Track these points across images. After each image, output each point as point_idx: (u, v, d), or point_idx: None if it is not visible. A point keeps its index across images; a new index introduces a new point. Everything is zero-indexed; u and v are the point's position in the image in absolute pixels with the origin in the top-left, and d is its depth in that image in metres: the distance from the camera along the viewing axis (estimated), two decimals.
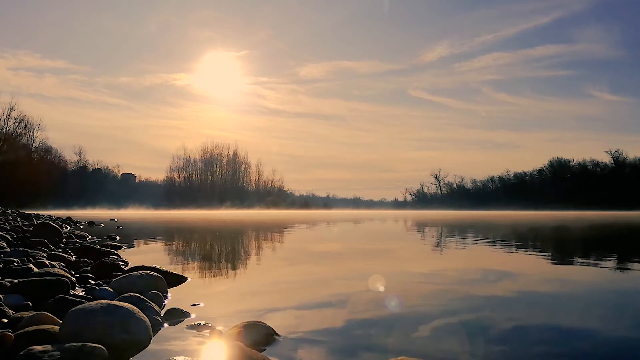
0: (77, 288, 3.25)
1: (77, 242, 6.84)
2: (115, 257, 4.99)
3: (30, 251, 4.60)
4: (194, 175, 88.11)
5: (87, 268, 4.04)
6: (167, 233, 12.36)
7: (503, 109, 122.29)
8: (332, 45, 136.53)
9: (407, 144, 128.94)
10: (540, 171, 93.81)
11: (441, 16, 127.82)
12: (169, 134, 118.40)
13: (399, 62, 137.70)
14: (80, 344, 1.75)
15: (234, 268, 4.96)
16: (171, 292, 3.28)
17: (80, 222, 16.88)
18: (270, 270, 4.84)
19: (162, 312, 2.59)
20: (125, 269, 3.99)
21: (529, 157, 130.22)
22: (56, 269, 3.31)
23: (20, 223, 11.17)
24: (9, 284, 2.80)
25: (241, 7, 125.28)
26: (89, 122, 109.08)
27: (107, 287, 3.01)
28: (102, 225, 16.01)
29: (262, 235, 11.17)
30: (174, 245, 8.05)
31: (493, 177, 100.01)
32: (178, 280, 3.75)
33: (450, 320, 2.52)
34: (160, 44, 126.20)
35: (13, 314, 2.24)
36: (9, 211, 17.83)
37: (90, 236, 8.94)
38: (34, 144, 61.44)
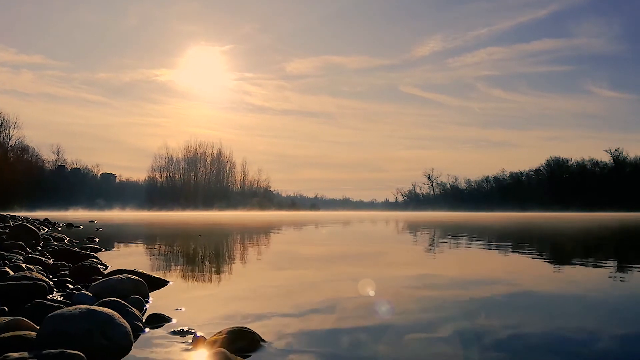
0: (55, 292, 3.19)
1: (55, 245, 6.69)
2: (95, 260, 4.91)
3: (6, 254, 4.48)
4: (176, 175, 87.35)
5: (66, 272, 3.96)
6: (149, 235, 12.19)
7: (498, 106, 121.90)
8: (321, 40, 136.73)
9: (399, 143, 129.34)
10: (537, 171, 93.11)
11: (434, 9, 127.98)
12: (150, 132, 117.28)
13: (390, 57, 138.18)
14: (58, 350, 1.70)
15: (217, 272, 4.90)
16: (153, 297, 3.22)
17: (59, 224, 16.54)
18: (256, 274, 4.79)
19: (144, 317, 2.53)
20: (105, 272, 3.91)
21: (525, 157, 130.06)
22: (33, 273, 3.21)
23: None
24: None
25: None
26: (67, 120, 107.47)
27: (86, 292, 2.94)
28: (81, 227, 15.71)
29: (247, 237, 11.09)
30: (155, 248, 7.92)
31: (488, 177, 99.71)
32: (160, 284, 3.69)
33: (444, 326, 2.50)
34: (140, 38, 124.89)
35: None
36: None
37: (68, 238, 8.77)
38: (10, 142, 60.25)
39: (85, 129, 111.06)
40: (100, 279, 3.30)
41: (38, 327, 1.97)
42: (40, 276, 3.13)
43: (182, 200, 77.97)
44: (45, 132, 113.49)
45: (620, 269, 5.29)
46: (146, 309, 2.85)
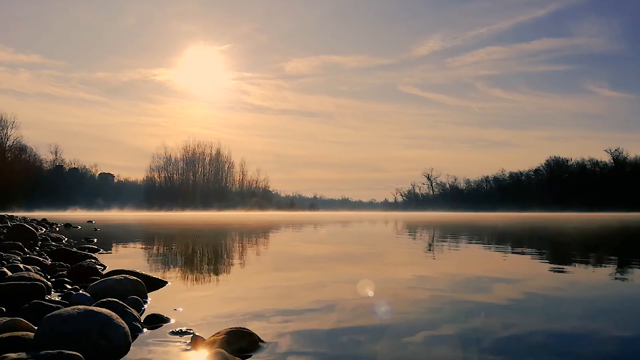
0: (52, 293, 3.18)
1: (53, 245, 6.67)
2: (93, 260, 4.89)
3: (4, 254, 4.46)
4: (175, 175, 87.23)
5: (64, 272, 3.95)
6: (147, 235, 12.17)
7: (498, 106, 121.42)
8: (319, 39, 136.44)
9: (398, 142, 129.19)
10: (536, 171, 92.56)
11: (433, 9, 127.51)
12: (148, 131, 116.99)
13: (389, 56, 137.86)
14: (56, 351, 1.69)
15: (216, 272, 4.89)
16: (151, 297, 3.21)
17: (57, 224, 16.50)
18: (255, 274, 4.78)
19: (142, 318, 2.52)
20: (103, 272, 3.91)
21: (525, 156, 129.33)
22: (31, 273, 3.20)
23: None
24: None
25: None
26: (64, 120, 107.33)
27: (84, 292, 2.93)
28: (79, 227, 15.67)
29: (246, 238, 11.08)
30: (153, 249, 7.91)
31: (487, 177, 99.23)
32: (158, 284, 3.68)
33: (443, 327, 2.49)
34: (139, 38, 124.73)
35: None
36: None
37: (66, 239, 8.75)
38: (7, 142, 60.17)
39: (83, 129, 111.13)
40: (99, 279, 3.29)
41: (36, 328, 1.96)
42: (38, 276, 3.12)
43: (180, 200, 77.90)
44: (43, 132, 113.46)
45: (620, 269, 5.29)
46: (144, 309, 2.84)
